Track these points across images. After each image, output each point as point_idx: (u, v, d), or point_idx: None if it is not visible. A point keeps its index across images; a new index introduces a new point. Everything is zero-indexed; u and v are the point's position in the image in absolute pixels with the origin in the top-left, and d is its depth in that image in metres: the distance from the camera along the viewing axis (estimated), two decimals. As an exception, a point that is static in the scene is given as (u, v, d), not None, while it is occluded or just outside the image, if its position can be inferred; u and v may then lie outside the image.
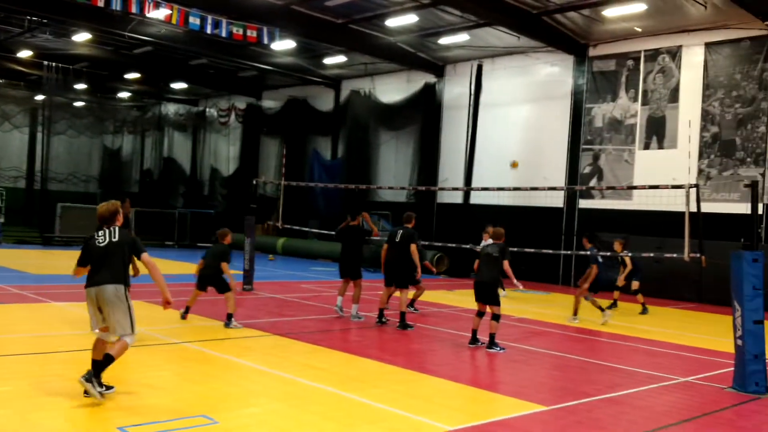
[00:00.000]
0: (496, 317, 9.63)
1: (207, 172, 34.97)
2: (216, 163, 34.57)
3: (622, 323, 13.21)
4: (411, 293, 12.14)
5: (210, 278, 10.42)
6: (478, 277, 9.99)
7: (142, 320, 10.08)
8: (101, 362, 6.15)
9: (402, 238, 11.11)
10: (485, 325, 9.84)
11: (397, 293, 11.36)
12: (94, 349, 6.31)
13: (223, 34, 18.86)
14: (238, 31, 19.04)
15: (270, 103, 31.97)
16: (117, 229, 6.43)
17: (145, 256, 6.36)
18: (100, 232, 6.39)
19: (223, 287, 10.27)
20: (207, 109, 35.38)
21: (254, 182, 17.57)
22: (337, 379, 7.40)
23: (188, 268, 17.55)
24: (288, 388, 7.00)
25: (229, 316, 10.20)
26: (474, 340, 9.86)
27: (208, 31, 18.66)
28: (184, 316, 10.53)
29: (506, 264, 9.75)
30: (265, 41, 19.57)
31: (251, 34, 19.19)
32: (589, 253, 12.75)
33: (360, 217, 11.98)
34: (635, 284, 14.71)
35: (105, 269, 6.24)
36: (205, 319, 10.82)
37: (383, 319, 11.27)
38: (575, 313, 12.95)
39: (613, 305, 14.66)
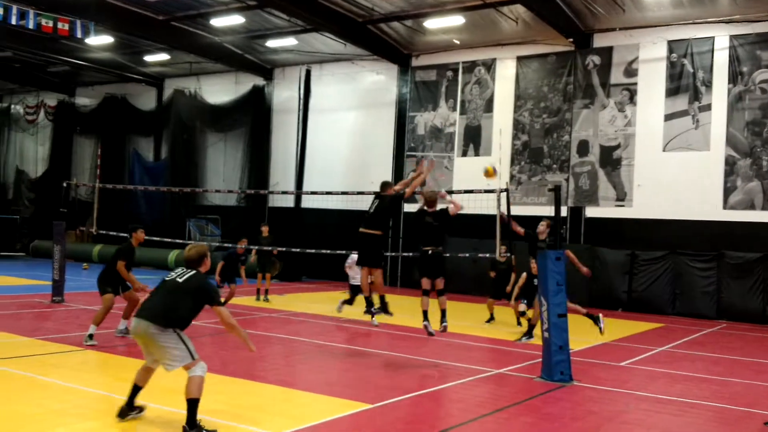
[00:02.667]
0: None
1: (12, 174, 31.94)
2: (22, 165, 31.70)
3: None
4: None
5: None
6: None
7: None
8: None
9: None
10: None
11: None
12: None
13: (30, 26, 17.35)
14: (47, 23, 17.62)
15: (84, 100, 29.86)
16: None
17: None
18: None
19: None
20: (12, 106, 32.30)
21: (66, 185, 16.29)
22: (157, 392, 7.02)
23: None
24: (102, 405, 6.54)
25: None
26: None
27: (13, 21, 17.08)
28: None
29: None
30: (79, 35, 18.27)
31: (62, 27, 17.85)
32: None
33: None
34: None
35: None
36: (9, 335, 9.83)
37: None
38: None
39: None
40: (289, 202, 23.28)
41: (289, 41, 21.60)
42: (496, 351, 10.80)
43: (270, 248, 16.07)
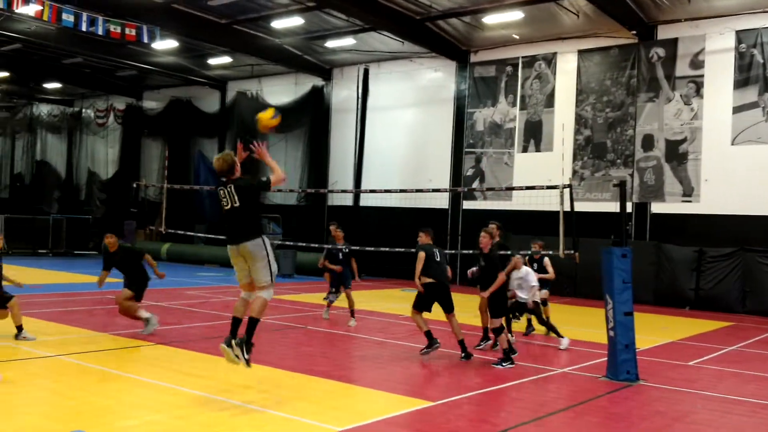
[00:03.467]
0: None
1: (84, 175, 33.24)
2: (94, 166, 32.93)
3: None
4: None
5: None
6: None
7: (10, 334, 9.43)
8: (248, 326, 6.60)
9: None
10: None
11: None
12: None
13: (100, 32, 18.00)
14: (115, 29, 18.22)
15: (151, 103, 30.81)
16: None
17: None
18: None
19: None
20: (84, 110, 33.61)
21: (135, 186, 16.89)
22: (222, 386, 7.23)
23: (64, 277, 16.64)
24: (169, 398, 6.76)
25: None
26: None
27: (83, 28, 17.75)
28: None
29: None
30: (145, 40, 18.85)
31: (130, 32, 18.44)
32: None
33: None
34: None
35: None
36: (83, 331, 10.26)
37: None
38: None
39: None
40: (347, 200, 23.49)
41: (348, 41, 21.78)
42: (559, 350, 10.63)
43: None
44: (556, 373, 8.72)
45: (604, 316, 8.52)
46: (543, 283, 11.40)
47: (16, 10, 16.91)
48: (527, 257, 11.63)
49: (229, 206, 6.75)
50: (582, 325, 13.18)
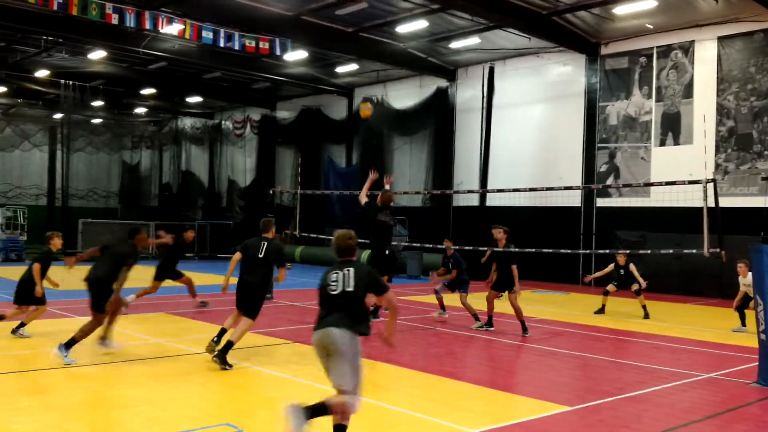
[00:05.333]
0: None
1: (224, 183, 35.23)
2: (233, 175, 34.82)
3: (643, 321, 13.14)
4: None
5: None
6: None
7: (163, 332, 10.22)
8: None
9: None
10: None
11: None
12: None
13: (236, 47, 19.01)
14: (250, 43, 19.18)
15: (284, 113, 32.18)
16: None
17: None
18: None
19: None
20: (222, 122, 35.67)
21: (271, 192, 17.70)
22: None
23: (209, 279, 17.72)
24: (308, 394, 7.03)
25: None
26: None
27: (221, 44, 18.81)
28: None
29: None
30: (278, 52, 19.70)
31: (263, 45, 19.32)
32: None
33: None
34: (644, 283, 13.77)
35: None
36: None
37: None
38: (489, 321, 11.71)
39: (601, 311, 14.06)
40: (473, 200, 23.34)
41: (472, 40, 21.66)
42: (705, 354, 10.03)
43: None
44: (701, 379, 8.23)
45: (754, 318, 7.96)
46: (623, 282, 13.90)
47: (161, 30, 18.23)
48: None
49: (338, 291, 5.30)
50: (729, 327, 12.34)
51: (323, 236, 20.21)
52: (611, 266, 14.17)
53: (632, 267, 13.89)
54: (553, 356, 9.56)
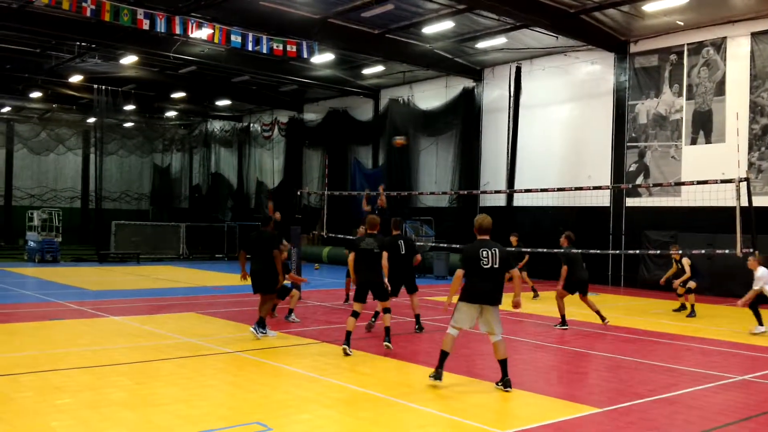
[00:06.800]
0: None
1: (253, 185, 35.57)
2: (261, 176, 35.14)
3: (674, 322, 12.97)
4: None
5: None
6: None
7: (195, 331, 10.36)
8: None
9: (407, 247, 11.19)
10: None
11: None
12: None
13: (264, 50, 19.21)
14: (278, 46, 19.36)
15: (311, 115, 32.37)
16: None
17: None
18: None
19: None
20: (251, 125, 36.02)
21: (299, 193, 17.84)
22: (386, 385, 7.48)
23: (238, 279, 17.93)
24: (338, 394, 7.11)
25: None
26: None
27: (249, 48, 19.02)
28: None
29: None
30: (305, 55, 19.84)
31: (291, 48, 19.48)
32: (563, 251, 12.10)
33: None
34: (692, 284, 13.81)
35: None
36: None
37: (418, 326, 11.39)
38: (563, 320, 12.04)
39: (682, 308, 14.27)
40: (500, 201, 23.23)
41: (499, 40, 21.58)
42: (738, 355, 9.87)
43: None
44: (735, 381, 8.11)
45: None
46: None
47: (191, 35, 18.50)
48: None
49: (489, 266, 7.31)
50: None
51: (350, 237, 20.33)
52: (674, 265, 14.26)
53: (685, 261, 13.83)
54: (582, 357, 9.49)
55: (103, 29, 20.23)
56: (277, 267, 10.17)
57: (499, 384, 7.34)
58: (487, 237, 7.49)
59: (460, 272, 7.42)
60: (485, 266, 7.27)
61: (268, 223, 11.13)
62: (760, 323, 11.62)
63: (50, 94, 30.93)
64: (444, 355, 7.37)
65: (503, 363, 7.38)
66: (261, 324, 10.10)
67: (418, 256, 11.61)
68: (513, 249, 17.21)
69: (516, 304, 7.56)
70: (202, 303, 14.42)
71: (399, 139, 17.26)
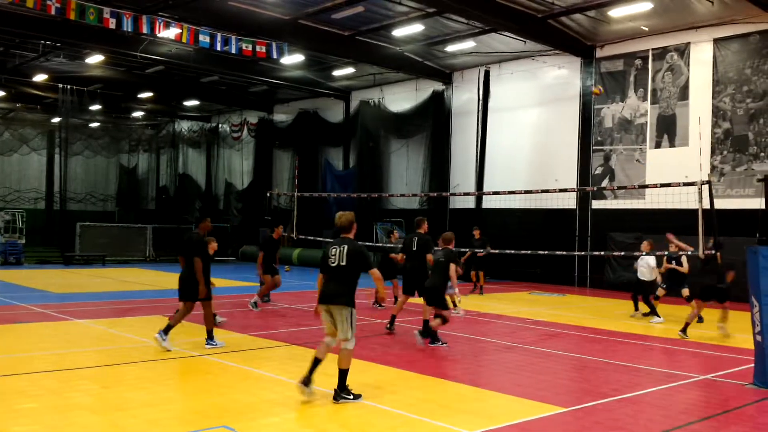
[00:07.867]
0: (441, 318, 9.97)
1: (222, 186, 35.27)
2: (230, 178, 34.87)
3: (638, 323, 13.19)
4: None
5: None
6: (428, 282, 10.36)
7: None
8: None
9: (418, 245, 11.18)
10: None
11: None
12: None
13: (233, 51, 19.09)
14: (247, 47, 19.26)
15: (281, 116, 32.23)
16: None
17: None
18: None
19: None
20: (220, 125, 35.73)
21: (268, 195, 17.77)
22: (354, 386, 7.47)
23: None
24: (305, 397, 7.08)
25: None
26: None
27: (218, 48, 18.89)
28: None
29: (452, 268, 10.01)
30: (275, 56, 19.77)
31: (260, 49, 19.40)
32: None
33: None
34: (661, 291, 13.61)
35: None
36: (225, 332, 10.93)
37: (391, 327, 11.31)
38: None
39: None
40: (469, 203, 23.38)
41: (468, 44, 21.74)
42: (701, 355, 10.09)
43: (482, 250, 16.76)
44: (698, 380, 8.29)
45: (750, 319, 8.01)
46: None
47: (159, 35, 18.30)
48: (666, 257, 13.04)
49: (335, 264, 6.97)
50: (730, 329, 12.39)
51: (321, 238, 20.28)
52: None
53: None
54: (549, 358, 9.61)
55: (68, 28, 19.89)
56: (197, 274, 9.56)
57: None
58: (347, 235, 7.11)
59: (319, 274, 7.15)
60: (332, 264, 6.94)
61: (201, 222, 10.22)
62: (637, 311, 12.70)
63: (14, 94, 30.30)
64: (315, 361, 6.96)
65: (340, 373, 6.86)
66: (210, 336, 9.66)
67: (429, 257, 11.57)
68: (477, 240, 17.59)
69: (381, 300, 7.69)
70: (169, 306, 14.23)
71: (596, 89, 18.37)
